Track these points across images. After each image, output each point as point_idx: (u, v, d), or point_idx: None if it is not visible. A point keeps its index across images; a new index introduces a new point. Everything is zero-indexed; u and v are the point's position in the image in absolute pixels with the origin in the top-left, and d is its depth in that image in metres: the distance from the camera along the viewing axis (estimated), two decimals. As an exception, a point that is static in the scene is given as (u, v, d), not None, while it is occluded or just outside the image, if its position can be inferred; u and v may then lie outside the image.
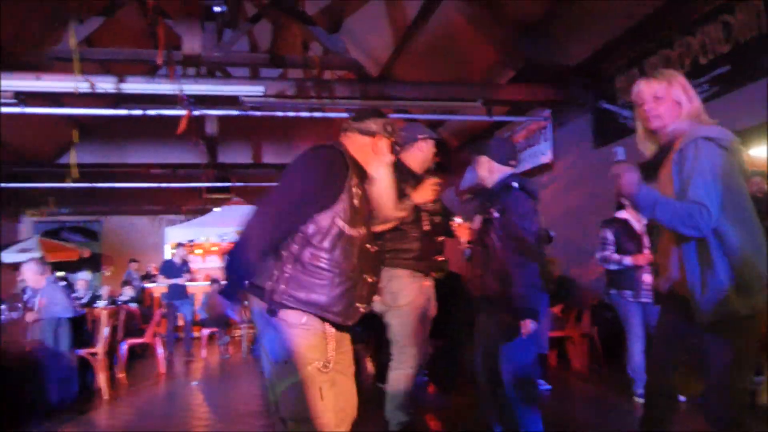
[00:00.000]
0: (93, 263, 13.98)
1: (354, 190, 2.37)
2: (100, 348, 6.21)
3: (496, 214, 3.25)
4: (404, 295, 3.67)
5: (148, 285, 12.58)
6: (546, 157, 8.57)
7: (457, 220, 3.87)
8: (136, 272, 12.76)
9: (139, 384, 7.00)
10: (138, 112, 7.55)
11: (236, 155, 14.40)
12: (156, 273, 13.21)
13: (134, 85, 7.00)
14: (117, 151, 14.01)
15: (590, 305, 6.93)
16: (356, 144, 2.50)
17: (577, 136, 8.12)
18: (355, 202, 2.36)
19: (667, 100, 2.41)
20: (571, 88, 7.80)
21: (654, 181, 2.50)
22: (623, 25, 7.01)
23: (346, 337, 2.52)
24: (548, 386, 5.43)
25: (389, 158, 2.56)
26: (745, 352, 2.27)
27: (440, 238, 3.92)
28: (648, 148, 2.56)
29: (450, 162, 12.21)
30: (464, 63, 9.60)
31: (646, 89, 2.45)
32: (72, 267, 13.76)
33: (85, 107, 8.51)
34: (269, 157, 15.35)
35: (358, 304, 2.39)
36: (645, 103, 2.45)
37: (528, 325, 3.07)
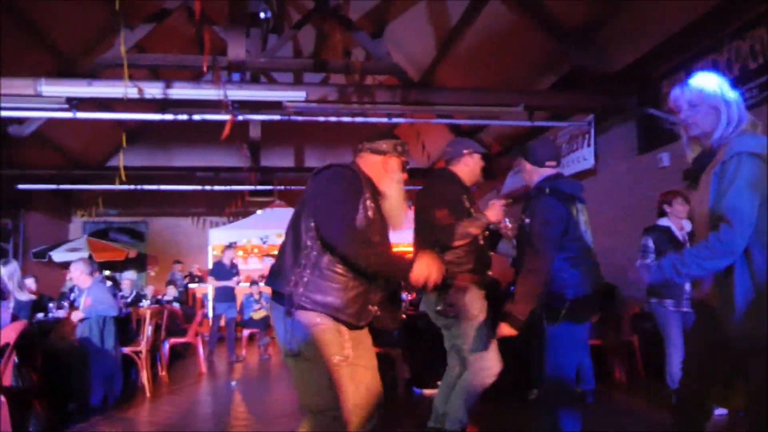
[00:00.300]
0: (139, 263, 14.31)
1: (368, 203, 2.58)
2: (144, 346, 6.36)
3: (526, 220, 3.21)
4: (474, 306, 3.72)
5: (191, 285, 12.84)
6: (588, 163, 8.46)
7: (507, 222, 3.87)
8: (180, 273, 13.04)
9: (180, 383, 7.14)
10: (184, 116, 7.71)
11: (279, 159, 14.63)
12: (199, 274, 13.49)
13: (180, 91, 7.15)
14: (163, 154, 14.39)
15: (631, 314, 6.81)
16: (369, 162, 2.76)
17: (621, 141, 8.00)
18: (369, 214, 2.58)
19: (702, 106, 2.36)
20: (616, 93, 7.68)
21: (695, 188, 2.45)
22: (670, 30, 6.88)
23: (366, 336, 2.69)
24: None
25: (399, 175, 2.77)
26: None
27: (490, 252, 3.96)
28: (693, 151, 2.51)
29: (492, 167, 12.15)
30: (507, 68, 9.54)
31: (680, 97, 2.41)
32: (118, 267, 14.13)
33: (134, 112, 8.77)
34: (312, 161, 15.52)
35: (370, 307, 2.62)
36: (681, 111, 2.42)
37: (502, 329, 3.06)
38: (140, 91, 7.01)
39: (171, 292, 11.13)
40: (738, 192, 2.17)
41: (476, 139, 12.12)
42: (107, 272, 13.82)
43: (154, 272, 14.75)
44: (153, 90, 7.09)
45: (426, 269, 2.45)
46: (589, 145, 8.46)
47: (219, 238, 12.74)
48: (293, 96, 7.24)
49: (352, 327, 2.55)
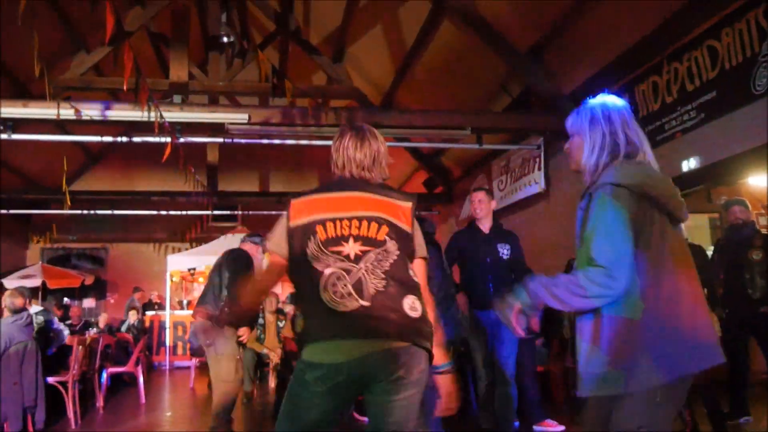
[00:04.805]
0: (99, 290, 14.03)
1: None
2: (69, 376, 6.12)
3: None
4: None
5: (148, 313, 12.55)
6: (540, 186, 8.36)
7: None
8: (139, 301, 12.73)
9: (114, 414, 6.87)
10: (124, 139, 7.57)
11: (242, 183, 14.39)
12: (158, 301, 13.23)
13: (119, 113, 7.02)
14: (125, 179, 14.12)
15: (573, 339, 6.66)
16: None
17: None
18: None
19: (574, 137, 2.23)
20: (565, 115, 7.60)
21: None
22: (613, 53, 6.87)
23: None
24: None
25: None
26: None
27: None
28: None
29: (452, 191, 12.05)
30: (463, 91, 9.50)
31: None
32: (80, 294, 13.85)
33: (94, 135, 8.54)
34: (278, 185, 15.32)
35: None
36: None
37: None
38: (77, 111, 6.87)
39: (132, 318, 10.84)
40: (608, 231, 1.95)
41: (436, 163, 12.04)
42: (66, 300, 13.56)
43: (113, 299, 14.43)
44: (91, 111, 6.95)
45: None
46: (539, 168, 8.36)
47: (178, 264, 12.49)
48: (235, 118, 7.11)
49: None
